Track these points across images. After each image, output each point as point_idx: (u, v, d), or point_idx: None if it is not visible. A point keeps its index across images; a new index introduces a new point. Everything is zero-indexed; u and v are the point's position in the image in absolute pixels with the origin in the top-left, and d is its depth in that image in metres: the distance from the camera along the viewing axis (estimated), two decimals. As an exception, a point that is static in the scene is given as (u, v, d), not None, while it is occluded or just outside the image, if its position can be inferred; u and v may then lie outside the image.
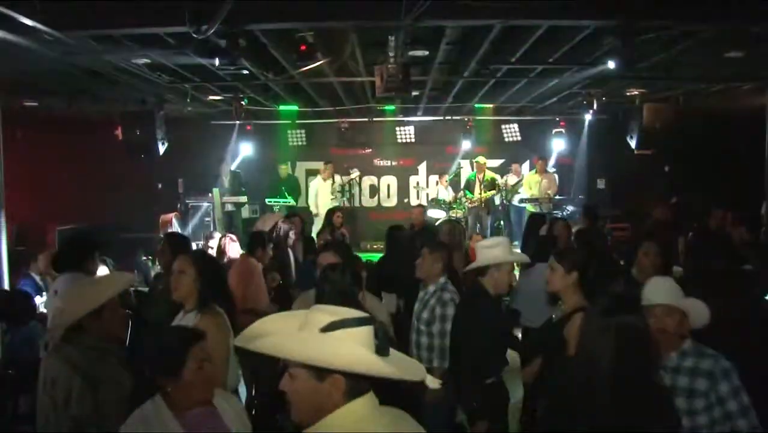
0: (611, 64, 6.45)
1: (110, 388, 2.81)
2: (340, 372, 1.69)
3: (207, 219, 12.00)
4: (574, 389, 2.35)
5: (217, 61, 5.96)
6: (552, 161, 13.09)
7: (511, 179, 12.69)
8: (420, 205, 9.23)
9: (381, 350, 1.75)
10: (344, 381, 1.71)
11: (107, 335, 2.98)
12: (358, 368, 1.68)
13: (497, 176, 12.59)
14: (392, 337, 1.75)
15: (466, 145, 13.22)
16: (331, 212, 8.31)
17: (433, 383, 1.86)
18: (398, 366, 1.74)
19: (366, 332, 1.75)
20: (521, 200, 12.34)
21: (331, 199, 12.48)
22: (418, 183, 13.99)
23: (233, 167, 12.66)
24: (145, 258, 9.41)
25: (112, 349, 3.00)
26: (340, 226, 8.13)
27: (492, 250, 3.90)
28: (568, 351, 3.16)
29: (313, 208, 12.18)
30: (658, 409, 2.27)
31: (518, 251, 6.03)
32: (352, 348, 1.70)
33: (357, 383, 1.72)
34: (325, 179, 12.42)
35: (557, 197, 12.28)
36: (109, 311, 2.96)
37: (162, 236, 8.58)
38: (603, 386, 2.21)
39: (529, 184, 12.30)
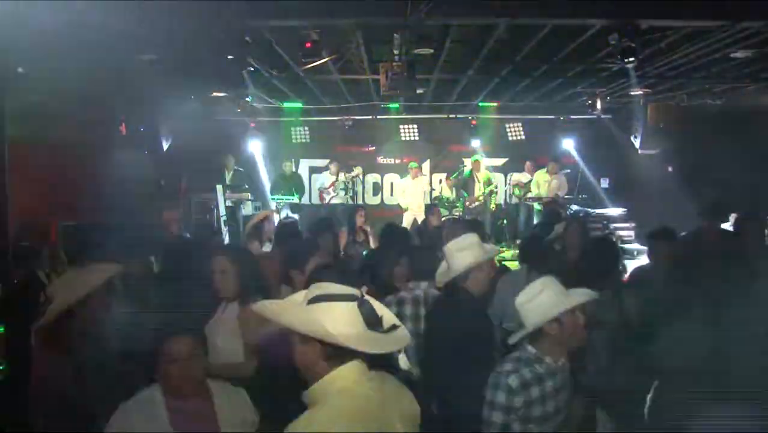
0: (616, 63, 6.44)
1: (96, 371, 2.94)
2: (314, 338, 1.91)
3: (210, 215, 11.99)
4: None
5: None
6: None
7: (524, 177, 12.67)
8: (435, 205, 9.09)
9: (370, 325, 1.95)
10: (322, 347, 1.92)
11: (94, 321, 3.11)
12: (325, 336, 1.89)
13: (493, 175, 12.61)
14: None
15: (470, 143, 13.20)
16: (353, 211, 8.22)
17: (405, 364, 2.13)
18: (376, 339, 1.94)
19: (347, 307, 1.95)
20: (531, 199, 12.32)
21: (333, 196, 12.53)
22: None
23: (237, 164, 12.66)
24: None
25: (99, 334, 3.10)
26: (362, 227, 8.06)
27: (465, 253, 3.64)
28: None
29: (402, 205, 12.76)
30: None
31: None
32: (326, 319, 1.91)
33: (338, 350, 1.90)
34: (413, 177, 12.71)
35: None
36: (96, 298, 3.11)
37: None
38: None
39: (537, 184, 12.29)
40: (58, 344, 3.00)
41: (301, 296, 2.09)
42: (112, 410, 2.51)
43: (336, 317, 1.93)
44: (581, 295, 2.75)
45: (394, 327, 2.04)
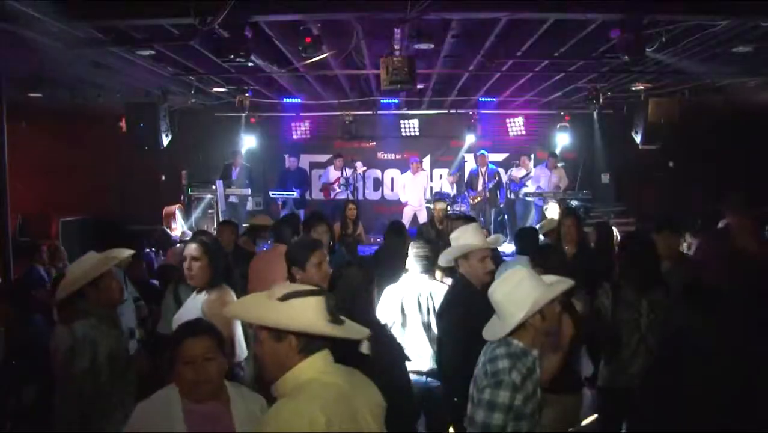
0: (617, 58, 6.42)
1: (104, 348, 3.15)
2: (292, 332, 2.04)
3: (210, 211, 11.97)
4: None
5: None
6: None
7: (519, 172, 12.65)
8: (442, 200, 8.99)
9: (332, 318, 2.10)
10: (297, 340, 2.05)
11: (104, 302, 3.31)
12: (306, 328, 2.04)
13: (500, 169, 12.60)
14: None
15: (470, 138, 13.18)
16: (344, 205, 8.21)
17: (367, 350, 2.29)
18: (342, 329, 2.12)
19: (317, 301, 2.10)
20: (527, 194, 12.30)
21: (338, 192, 12.53)
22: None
23: (243, 160, 12.65)
24: (148, 250, 9.40)
25: (106, 313, 3.31)
26: (354, 219, 8.03)
27: (458, 240, 3.75)
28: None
29: (402, 200, 12.76)
30: None
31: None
32: (302, 313, 2.05)
33: (309, 342, 2.06)
34: (414, 173, 12.68)
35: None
36: (106, 280, 3.30)
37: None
38: None
39: (537, 179, 12.29)
40: (68, 319, 3.17)
41: (262, 296, 2.20)
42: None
43: (312, 311, 2.08)
44: (561, 283, 2.69)
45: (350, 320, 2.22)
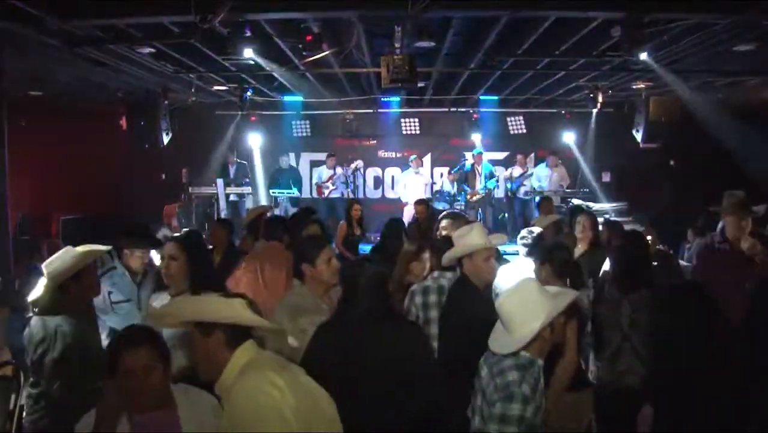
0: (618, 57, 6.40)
1: (82, 343, 3.22)
2: (219, 326, 2.19)
3: (210, 209, 11.97)
4: None
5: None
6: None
7: (516, 171, 12.65)
8: (421, 201, 8.92)
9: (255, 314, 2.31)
10: (224, 334, 2.20)
11: (84, 296, 3.41)
12: (231, 318, 2.20)
13: (494, 168, 12.61)
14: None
15: (474, 137, 13.16)
16: (349, 205, 8.18)
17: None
18: (264, 323, 2.33)
19: (239, 300, 2.29)
20: (526, 193, 12.30)
21: (332, 189, 12.52)
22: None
23: (239, 158, 12.64)
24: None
25: (83, 308, 3.41)
26: (359, 220, 8.00)
27: (462, 239, 3.72)
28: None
29: (403, 198, 12.63)
30: None
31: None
32: (227, 306, 2.23)
33: (235, 334, 2.22)
34: (415, 168, 12.67)
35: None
36: (87, 275, 3.37)
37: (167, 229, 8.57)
38: None
39: (538, 178, 12.29)
40: (44, 313, 3.21)
41: (191, 297, 2.55)
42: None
43: (236, 304, 2.27)
44: (567, 294, 2.71)
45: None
